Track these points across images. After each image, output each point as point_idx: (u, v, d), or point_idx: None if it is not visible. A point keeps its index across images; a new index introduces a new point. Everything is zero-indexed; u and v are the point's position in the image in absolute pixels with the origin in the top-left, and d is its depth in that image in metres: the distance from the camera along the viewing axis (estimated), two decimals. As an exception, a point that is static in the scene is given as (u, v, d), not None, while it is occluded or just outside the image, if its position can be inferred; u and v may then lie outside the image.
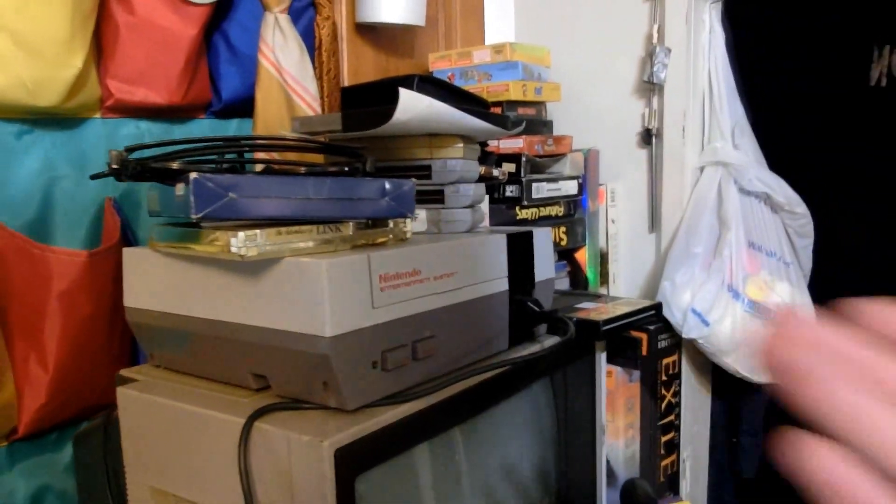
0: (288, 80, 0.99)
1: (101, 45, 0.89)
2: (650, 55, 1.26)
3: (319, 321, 0.51)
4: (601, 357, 0.86)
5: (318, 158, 0.84)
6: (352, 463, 0.51)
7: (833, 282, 1.22)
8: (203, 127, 1.01)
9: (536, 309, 0.71)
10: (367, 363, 0.54)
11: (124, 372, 0.70)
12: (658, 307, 0.87)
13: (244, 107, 1.02)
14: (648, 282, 1.36)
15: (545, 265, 0.77)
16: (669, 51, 1.24)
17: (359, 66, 1.21)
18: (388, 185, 0.57)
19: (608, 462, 1.12)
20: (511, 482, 0.76)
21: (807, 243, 1.30)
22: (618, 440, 1.21)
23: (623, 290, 1.37)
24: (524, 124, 0.93)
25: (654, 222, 1.34)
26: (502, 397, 0.71)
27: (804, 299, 1.28)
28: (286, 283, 0.53)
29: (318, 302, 0.51)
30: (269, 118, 0.99)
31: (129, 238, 0.90)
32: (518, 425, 0.77)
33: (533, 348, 0.72)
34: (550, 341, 0.74)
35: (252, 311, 0.55)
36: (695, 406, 1.34)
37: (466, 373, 0.61)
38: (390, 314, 0.56)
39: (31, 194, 0.85)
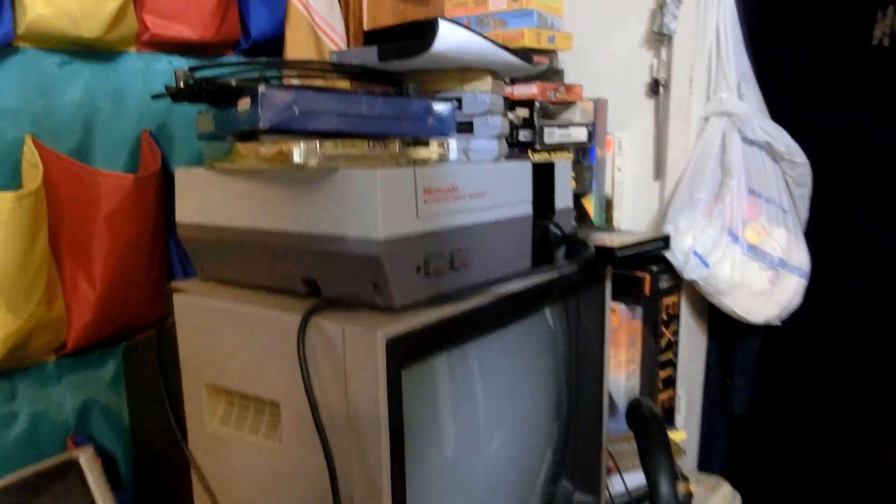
0: (317, 19, 1.02)
1: (138, -21, 0.93)
2: (661, 6, 1.30)
3: (373, 225, 0.56)
4: (609, 287, 0.91)
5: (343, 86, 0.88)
6: (400, 353, 0.57)
7: (831, 242, 1.28)
8: (232, 65, 1.04)
9: (559, 232, 0.76)
10: (412, 267, 0.60)
11: (174, 284, 0.75)
12: (666, 239, 0.93)
13: (272, 45, 1.06)
14: (651, 228, 1.41)
15: (565, 195, 0.82)
16: (681, 1, 1.28)
17: (377, 12, 1.25)
18: (433, 106, 0.62)
19: (609, 393, 1.19)
20: (530, 398, 0.82)
21: (804, 192, 1.36)
22: (619, 373, 1.28)
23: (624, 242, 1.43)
24: (548, 63, 0.97)
25: (659, 170, 1.39)
26: (528, 311, 0.77)
27: (800, 245, 1.34)
28: (341, 192, 0.58)
29: (372, 208, 0.56)
30: (298, 56, 1.03)
31: (167, 168, 0.94)
32: (538, 345, 0.83)
33: (554, 271, 0.78)
34: (569, 266, 0.80)
35: (307, 219, 0.60)
36: (691, 346, 1.41)
37: (499, 281, 0.67)
38: (432, 224, 0.61)
39: (74, 123, 0.89)
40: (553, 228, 0.77)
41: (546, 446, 0.90)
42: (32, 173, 0.80)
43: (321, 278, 0.62)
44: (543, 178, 0.78)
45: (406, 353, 0.58)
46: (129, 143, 0.95)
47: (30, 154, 0.82)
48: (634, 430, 0.87)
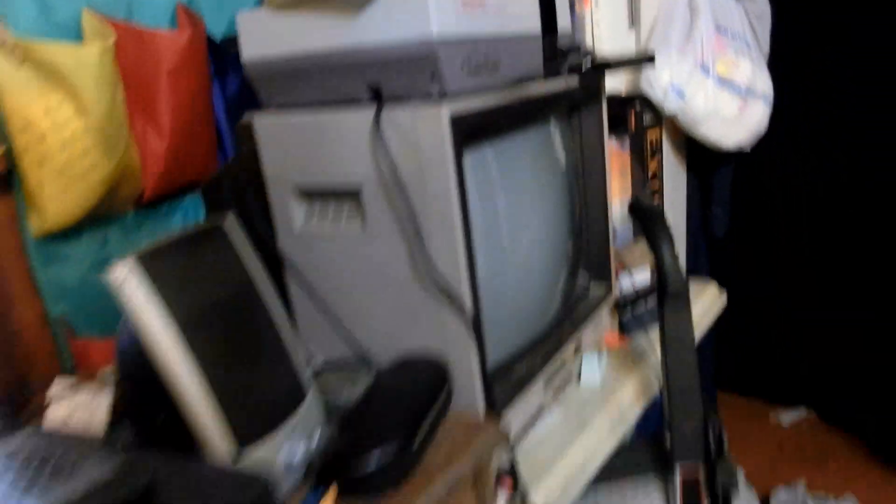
0: None
1: None
2: None
3: (427, 26, 0.69)
4: (605, 100, 1.06)
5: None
6: (462, 130, 0.71)
7: (792, 75, 1.40)
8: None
9: (562, 45, 0.90)
10: (458, 61, 0.73)
11: (248, 114, 0.86)
12: (652, 57, 1.07)
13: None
14: (631, 73, 1.55)
15: (564, 18, 0.95)
16: None
17: None
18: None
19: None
20: (551, 194, 0.98)
21: (765, 26, 1.50)
22: (614, 199, 1.44)
23: (610, 83, 1.57)
24: None
25: (634, 19, 1.52)
26: (545, 112, 0.92)
27: (764, 76, 1.49)
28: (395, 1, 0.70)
29: (424, 12, 0.69)
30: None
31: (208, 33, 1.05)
32: (551, 155, 0.98)
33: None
34: (573, 76, 0.95)
35: (368, 31, 0.73)
36: (674, 178, 1.57)
37: (521, 82, 0.81)
38: (469, 29, 0.74)
39: (118, 2, 0.99)
40: (558, 43, 0.90)
41: (566, 241, 1.06)
42: (101, 37, 0.90)
43: (383, 80, 0.75)
44: (546, 2, 0.91)
45: (466, 131, 0.72)
46: (167, 17, 1.04)
47: (91, 23, 0.91)
48: (638, 217, 1.03)
